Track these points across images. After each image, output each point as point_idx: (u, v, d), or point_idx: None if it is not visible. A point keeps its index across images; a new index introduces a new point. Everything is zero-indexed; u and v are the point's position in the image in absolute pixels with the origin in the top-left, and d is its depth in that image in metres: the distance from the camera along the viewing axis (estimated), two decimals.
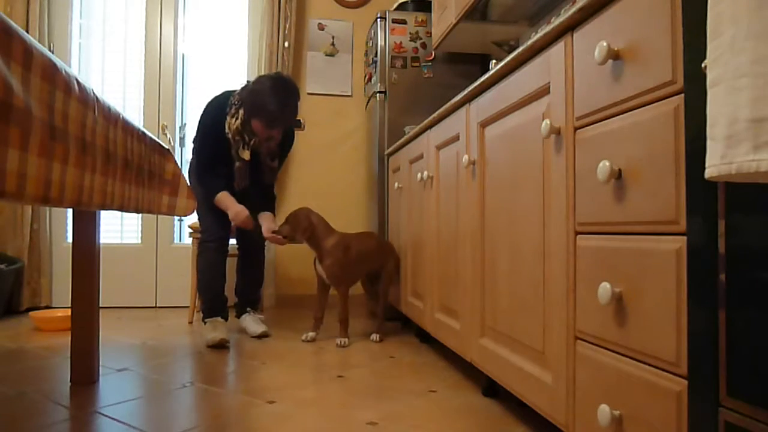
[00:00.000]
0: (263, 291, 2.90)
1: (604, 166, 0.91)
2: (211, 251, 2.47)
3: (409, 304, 2.47)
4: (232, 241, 2.64)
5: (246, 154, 2.45)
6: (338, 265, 2.40)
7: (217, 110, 2.47)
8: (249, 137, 2.43)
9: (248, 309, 2.67)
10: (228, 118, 2.44)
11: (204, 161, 2.51)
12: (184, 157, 3.49)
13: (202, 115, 2.51)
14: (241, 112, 2.40)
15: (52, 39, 3.32)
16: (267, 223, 2.57)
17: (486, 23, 2.70)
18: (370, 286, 2.76)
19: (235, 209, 2.44)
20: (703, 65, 0.68)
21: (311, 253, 2.52)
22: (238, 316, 2.68)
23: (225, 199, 2.47)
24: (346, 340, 2.37)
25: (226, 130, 2.43)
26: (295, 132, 3.50)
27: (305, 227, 2.41)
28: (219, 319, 2.43)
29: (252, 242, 2.65)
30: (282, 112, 2.32)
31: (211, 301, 2.46)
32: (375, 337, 2.53)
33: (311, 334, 2.45)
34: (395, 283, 2.70)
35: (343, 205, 3.59)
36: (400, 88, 3.04)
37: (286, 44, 3.45)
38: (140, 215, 3.45)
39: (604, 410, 0.90)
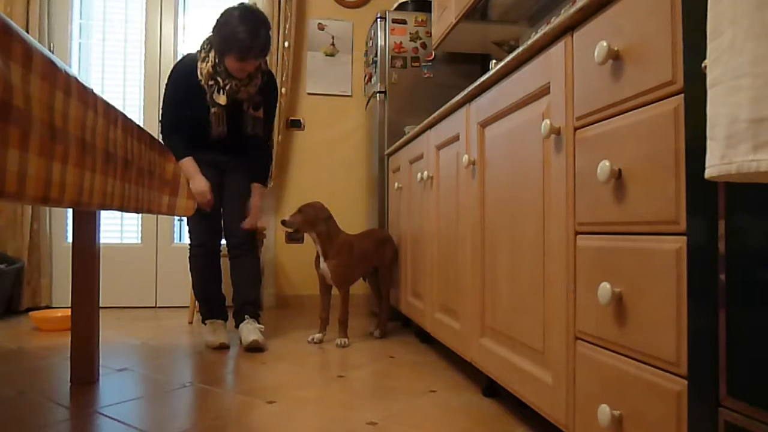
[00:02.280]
0: (263, 291, 2.85)
1: (604, 166, 0.91)
2: (199, 257, 2.39)
3: (409, 304, 2.47)
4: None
5: (222, 99, 2.27)
6: (344, 266, 2.40)
7: (185, 64, 2.32)
8: (223, 80, 2.26)
9: (246, 317, 2.38)
10: (199, 64, 2.28)
11: (170, 120, 2.32)
12: None
13: (169, 75, 2.36)
14: (212, 54, 2.27)
15: (52, 39, 3.32)
16: (256, 196, 2.43)
17: (486, 23, 2.70)
18: (371, 279, 2.75)
19: (197, 186, 2.24)
20: (703, 65, 0.68)
21: (311, 253, 2.51)
22: (237, 325, 2.40)
23: (188, 168, 2.26)
24: (346, 340, 2.37)
25: (199, 78, 2.27)
26: (296, 127, 3.49)
27: (321, 218, 2.37)
28: (218, 321, 2.41)
29: (240, 239, 2.42)
30: (253, 39, 2.15)
31: (207, 304, 2.43)
32: (376, 332, 2.53)
33: (318, 335, 2.42)
34: (395, 273, 2.69)
35: (343, 205, 3.59)
36: (400, 88, 3.04)
37: (286, 44, 3.44)
38: (140, 215, 3.45)
39: (604, 410, 0.90)
